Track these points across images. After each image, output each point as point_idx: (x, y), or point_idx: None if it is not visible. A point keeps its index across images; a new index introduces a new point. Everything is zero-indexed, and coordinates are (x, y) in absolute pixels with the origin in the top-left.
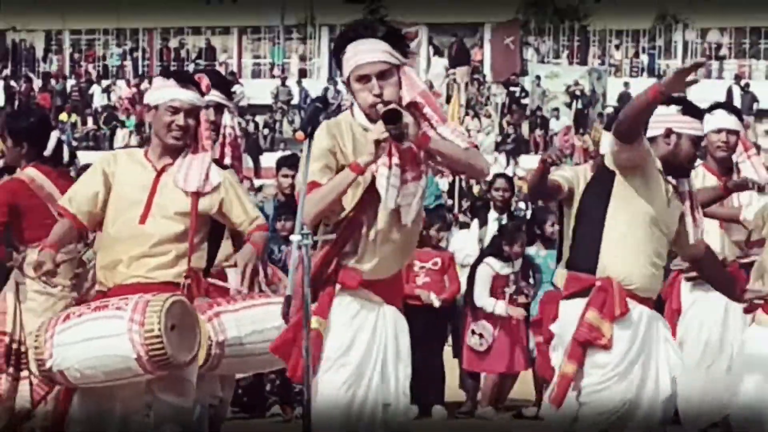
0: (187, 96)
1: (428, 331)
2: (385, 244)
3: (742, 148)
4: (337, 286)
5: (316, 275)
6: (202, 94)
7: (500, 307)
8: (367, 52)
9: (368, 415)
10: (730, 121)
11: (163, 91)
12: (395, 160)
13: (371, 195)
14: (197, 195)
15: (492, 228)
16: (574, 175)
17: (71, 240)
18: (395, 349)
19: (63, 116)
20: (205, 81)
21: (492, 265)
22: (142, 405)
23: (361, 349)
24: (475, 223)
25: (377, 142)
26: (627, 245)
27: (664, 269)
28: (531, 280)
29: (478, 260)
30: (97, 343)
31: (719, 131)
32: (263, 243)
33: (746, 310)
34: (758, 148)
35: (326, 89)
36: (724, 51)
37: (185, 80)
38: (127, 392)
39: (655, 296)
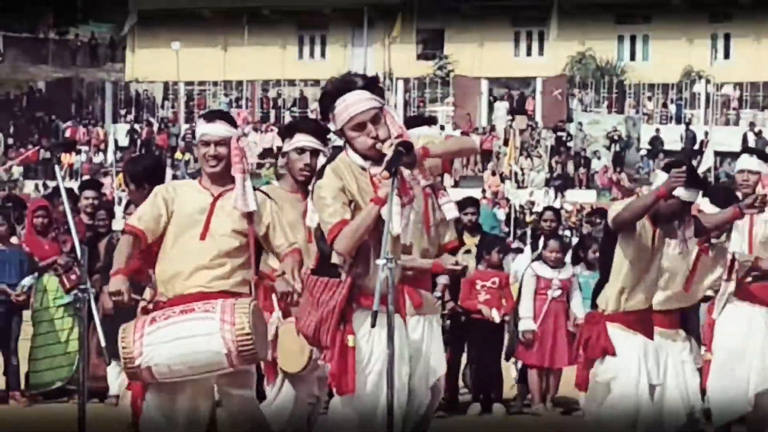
0: (214, 129)
1: (487, 340)
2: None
3: (761, 185)
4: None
5: (347, 297)
6: (235, 126)
7: (523, 324)
8: (358, 103)
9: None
10: (751, 163)
11: (198, 129)
12: (395, 191)
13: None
14: (251, 216)
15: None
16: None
17: (132, 253)
18: (403, 351)
19: (178, 155)
20: (242, 114)
21: (535, 269)
22: (208, 401)
23: (381, 357)
24: (528, 248)
25: (392, 176)
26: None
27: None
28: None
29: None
30: (188, 341)
31: (741, 171)
32: (300, 258)
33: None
34: None
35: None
36: (736, 103)
37: (212, 117)
38: (195, 389)
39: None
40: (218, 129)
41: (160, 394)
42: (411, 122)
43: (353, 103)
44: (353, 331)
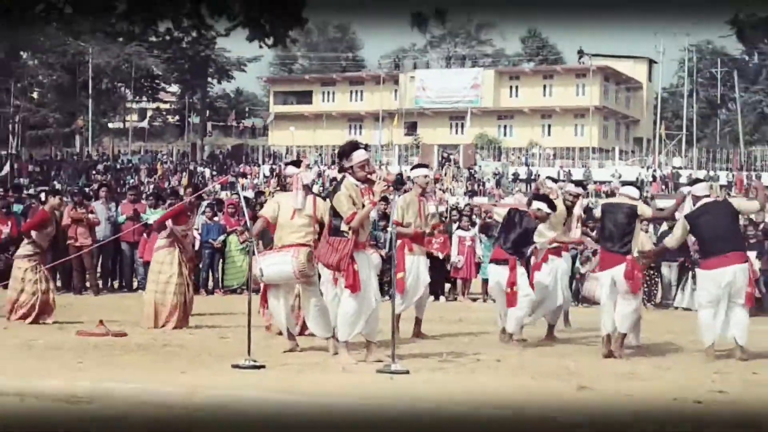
0: (290, 170)
1: (434, 267)
2: (368, 229)
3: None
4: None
5: (358, 243)
6: (297, 167)
7: None
8: (363, 155)
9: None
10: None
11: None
12: (372, 198)
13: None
14: (315, 208)
15: None
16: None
17: (263, 225)
18: (375, 274)
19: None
20: (305, 161)
21: (460, 233)
22: (293, 293)
23: (367, 273)
24: (456, 225)
25: (382, 191)
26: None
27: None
28: None
29: None
30: (277, 266)
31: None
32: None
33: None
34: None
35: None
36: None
37: (291, 164)
38: (290, 288)
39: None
40: (290, 169)
41: (272, 289)
42: (416, 166)
43: (361, 155)
44: (356, 261)
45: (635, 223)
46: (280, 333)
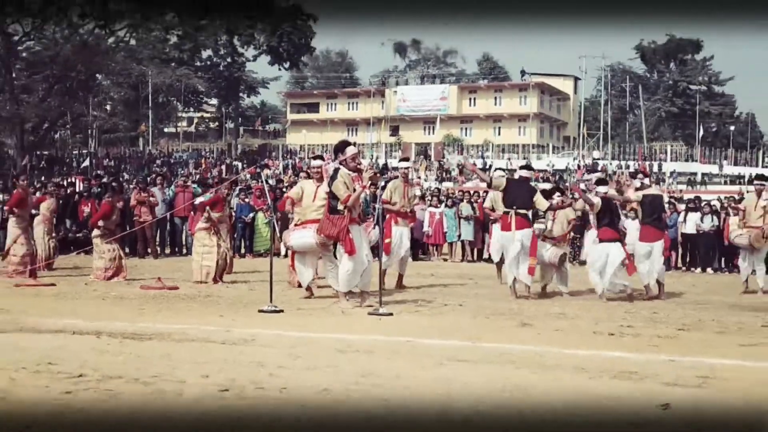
0: (315, 162)
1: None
2: (359, 208)
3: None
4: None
5: (352, 219)
6: (323, 160)
7: None
8: (353, 150)
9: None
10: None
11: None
12: (362, 183)
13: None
14: (330, 193)
15: None
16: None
17: (291, 204)
18: (367, 241)
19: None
20: (328, 157)
21: (431, 210)
22: (315, 258)
23: (360, 241)
24: (428, 203)
25: (369, 178)
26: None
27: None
28: None
29: None
30: (303, 238)
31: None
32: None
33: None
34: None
35: (385, 167)
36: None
37: (315, 158)
38: (313, 254)
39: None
40: (316, 162)
41: (298, 255)
42: (402, 160)
43: (352, 150)
44: (350, 232)
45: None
46: (299, 286)
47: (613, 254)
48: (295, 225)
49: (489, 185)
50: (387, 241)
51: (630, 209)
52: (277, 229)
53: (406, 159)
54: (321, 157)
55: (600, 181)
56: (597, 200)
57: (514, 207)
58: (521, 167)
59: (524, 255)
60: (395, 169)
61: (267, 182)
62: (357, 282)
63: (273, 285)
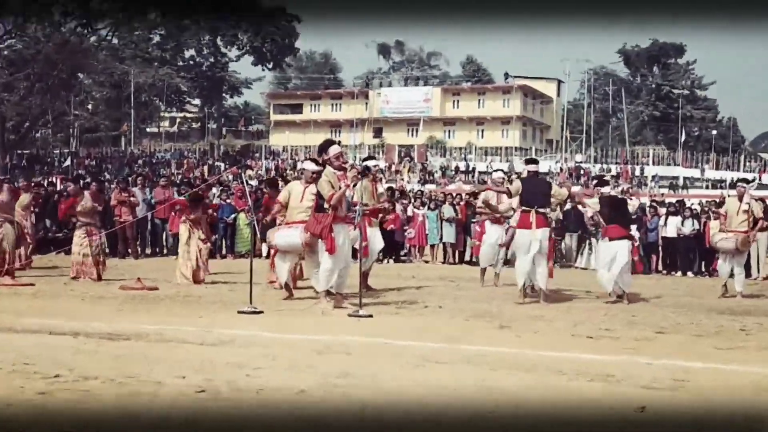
0: (310, 166)
1: (384, 236)
2: (345, 206)
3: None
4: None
5: (336, 217)
6: (317, 164)
7: None
8: (337, 149)
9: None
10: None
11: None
12: (346, 182)
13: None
14: (319, 194)
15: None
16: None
17: (279, 210)
18: (349, 242)
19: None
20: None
21: (416, 210)
22: (296, 258)
23: (342, 240)
24: (412, 204)
25: (353, 177)
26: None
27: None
28: None
29: None
30: (290, 237)
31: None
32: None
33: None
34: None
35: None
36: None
37: (305, 161)
38: (294, 254)
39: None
40: (310, 165)
41: (280, 253)
42: (368, 158)
43: (336, 149)
44: (333, 230)
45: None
46: (279, 287)
47: (621, 253)
48: (279, 225)
49: (510, 196)
50: (365, 243)
51: (592, 223)
52: (258, 231)
53: (372, 158)
54: (316, 161)
55: (601, 182)
56: (591, 201)
57: (535, 206)
58: (527, 162)
59: (541, 256)
60: (367, 169)
61: (248, 183)
62: (334, 281)
63: (253, 286)
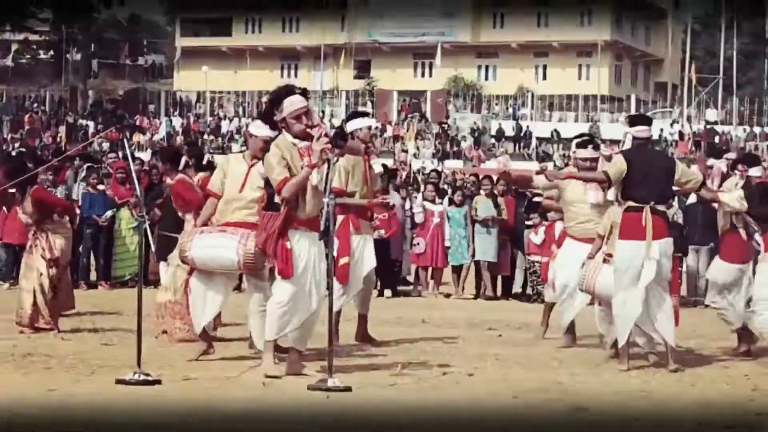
0: (260, 131)
1: (378, 249)
2: (313, 200)
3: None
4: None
5: (294, 218)
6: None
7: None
8: (300, 102)
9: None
10: (589, 153)
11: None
12: (311, 160)
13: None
14: (267, 181)
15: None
16: (556, 184)
17: (215, 210)
18: (322, 263)
19: (205, 137)
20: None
21: (425, 206)
22: (229, 286)
23: (304, 254)
24: (420, 195)
25: (322, 149)
26: (569, 216)
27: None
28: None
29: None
30: (217, 249)
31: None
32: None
33: None
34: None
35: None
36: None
37: (261, 121)
38: (224, 281)
39: (588, 237)
40: (259, 130)
41: (198, 278)
42: (353, 115)
43: (297, 102)
44: (289, 239)
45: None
46: (188, 339)
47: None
48: (202, 227)
49: (610, 182)
50: (344, 261)
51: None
52: (151, 239)
53: (364, 114)
54: (272, 122)
55: (748, 159)
56: (730, 196)
57: (650, 201)
58: (633, 121)
59: (659, 286)
60: (349, 135)
61: (135, 157)
62: (293, 327)
63: (143, 336)
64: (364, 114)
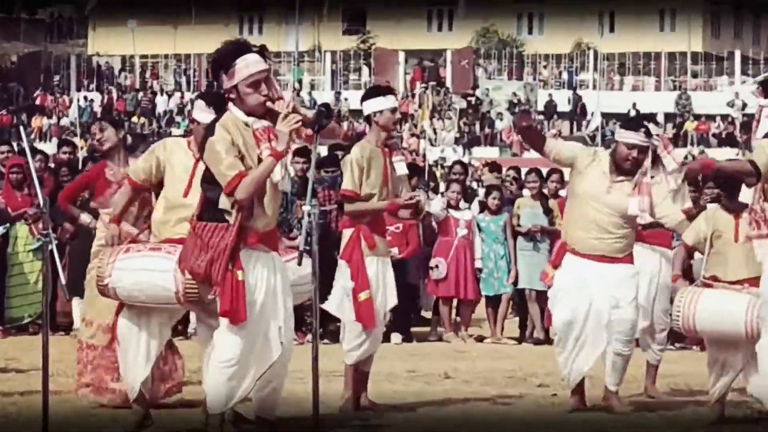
0: (203, 114)
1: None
2: (272, 204)
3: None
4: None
5: (237, 238)
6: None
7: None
8: (257, 63)
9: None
10: (638, 138)
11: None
12: (274, 145)
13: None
14: (208, 178)
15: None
16: (574, 156)
17: (131, 203)
18: (286, 285)
19: (134, 119)
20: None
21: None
22: (168, 327)
23: (264, 289)
24: (439, 196)
25: (292, 129)
26: (574, 218)
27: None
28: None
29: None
30: (148, 274)
31: (631, 147)
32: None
33: None
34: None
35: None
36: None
37: (203, 100)
38: (163, 318)
39: (600, 254)
40: (200, 111)
41: (128, 316)
42: (371, 92)
43: (253, 63)
44: (242, 267)
45: None
46: (118, 404)
47: None
48: (130, 242)
49: (758, 176)
50: (363, 296)
51: None
52: (59, 264)
53: (389, 91)
54: (219, 99)
55: None
56: None
57: None
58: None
59: None
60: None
61: (37, 150)
62: (245, 392)
63: (49, 399)
64: (388, 90)
